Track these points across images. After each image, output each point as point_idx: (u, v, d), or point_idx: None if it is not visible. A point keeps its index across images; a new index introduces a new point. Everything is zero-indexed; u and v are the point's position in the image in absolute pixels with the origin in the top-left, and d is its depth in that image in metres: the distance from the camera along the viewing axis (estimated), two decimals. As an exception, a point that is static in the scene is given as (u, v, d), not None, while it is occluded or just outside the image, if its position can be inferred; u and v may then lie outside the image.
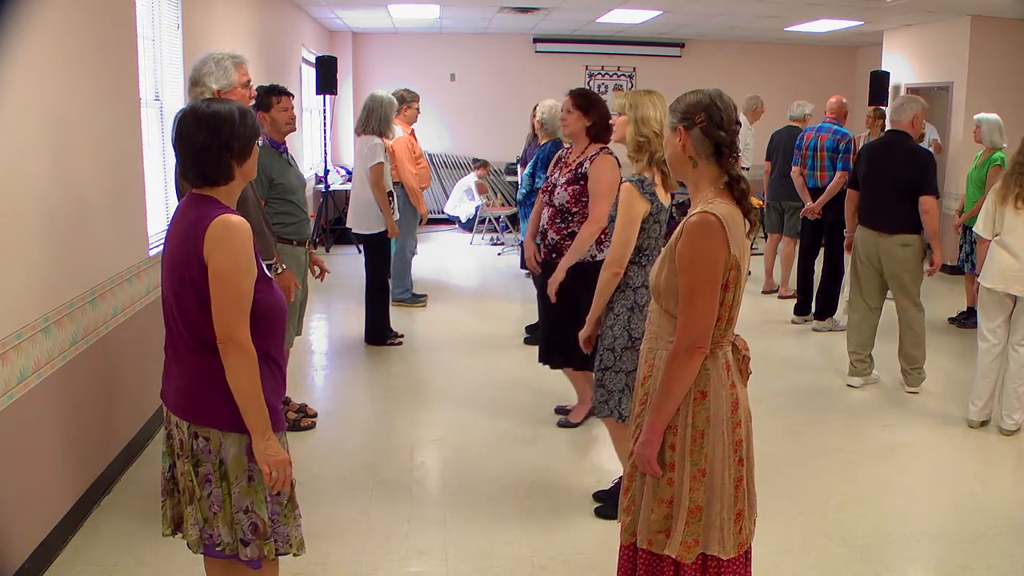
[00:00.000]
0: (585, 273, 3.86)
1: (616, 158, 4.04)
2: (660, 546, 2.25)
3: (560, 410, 4.81)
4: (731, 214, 2.16)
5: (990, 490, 4.03)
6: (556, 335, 4.25)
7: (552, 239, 4.23)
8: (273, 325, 2.22)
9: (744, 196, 2.21)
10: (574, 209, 4.14)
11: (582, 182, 4.09)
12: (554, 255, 4.20)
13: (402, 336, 6.25)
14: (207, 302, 2.11)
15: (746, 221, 2.21)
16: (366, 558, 3.28)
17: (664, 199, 3.33)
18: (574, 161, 4.18)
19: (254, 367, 2.15)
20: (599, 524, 3.56)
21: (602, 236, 4.02)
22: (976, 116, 6.67)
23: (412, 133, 7.12)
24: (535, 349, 6.02)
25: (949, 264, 8.92)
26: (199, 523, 2.23)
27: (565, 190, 4.14)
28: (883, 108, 9.61)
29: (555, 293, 4.03)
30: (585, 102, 4.10)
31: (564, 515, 3.67)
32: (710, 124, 2.18)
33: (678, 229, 2.21)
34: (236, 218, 2.14)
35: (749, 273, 2.32)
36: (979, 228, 4.68)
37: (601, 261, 3.54)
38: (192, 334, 2.17)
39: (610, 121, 3.69)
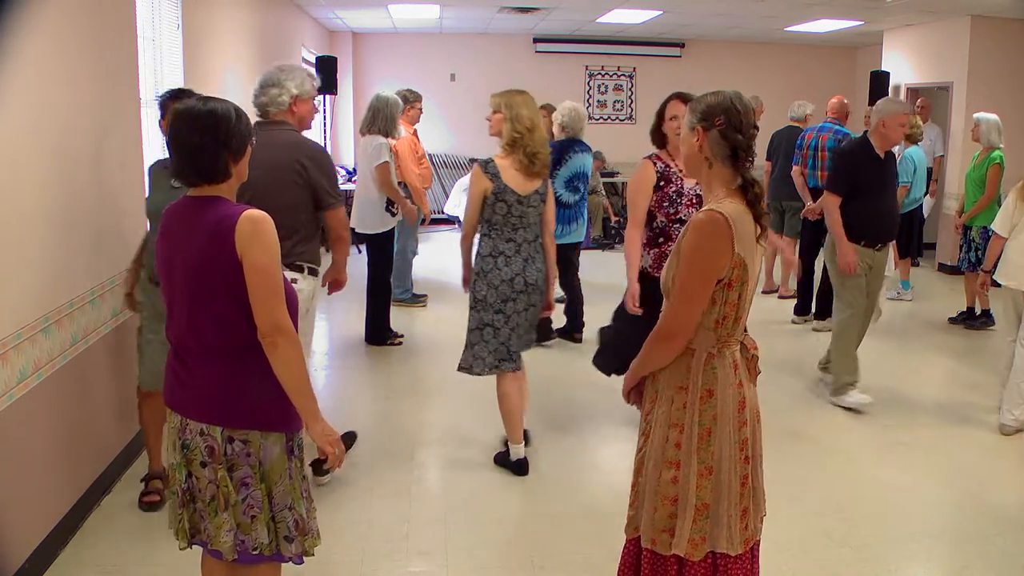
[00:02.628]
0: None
1: (652, 161, 3.88)
2: (665, 546, 2.26)
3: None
4: (739, 213, 2.17)
5: (990, 490, 4.03)
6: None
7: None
8: (291, 316, 2.23)
9: (757, 200, 2.22)
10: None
11: None
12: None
13: (402, 336, 6.25)
14: (244, 300, 2.11)
15: (757, 225, 2.21)
16: (366, 558, 3.29)
17: (522, 185, 3.81)
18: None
19: (301, 353, 2.18)
20: (599, 524, 3.56)
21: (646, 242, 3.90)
22: (976, 115, 6.67)
23: (415, 133, 7.12)
24: (534, 350, 6.05)
25: (948, 264, 8.93)
26: (233, 529, 2.19)
27: None
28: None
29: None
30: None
31: (564, 515, 3.67)
32: (728, 127, 2.19)
33: (686, 226, 2.23)
34: (259, 212, 2.17)
35: None
36: (996, 226, 4.78)
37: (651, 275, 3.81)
38: (225, 337, 2.15)
39: (486, 118, 3.99)
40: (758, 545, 2.42)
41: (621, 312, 4.03)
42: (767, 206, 8.26)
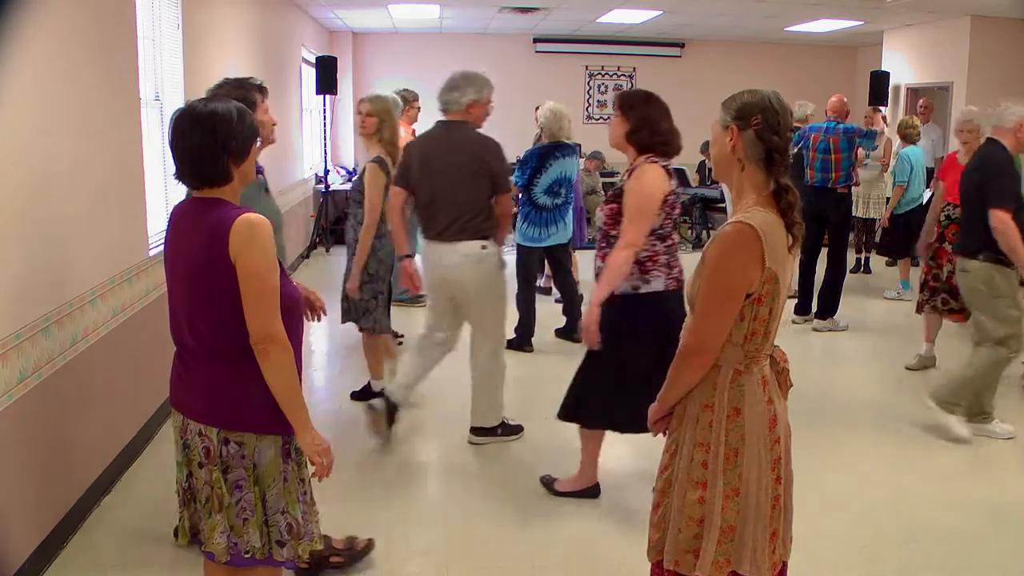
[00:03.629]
0: (629, 307, 3.37)
1: (666, 169, 3.40)
2: (688, 567, 2.16)
3: (546, 480, 3.92)
4: (770, 224, 2.04)
5: (990, 490, 4.03)
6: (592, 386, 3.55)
7: (597, 266, 3.47)
8: (293, 318, 2.22)
9: (791, 208, 2.08)
10: (612, 232, 3.38)
11: (619, 200, 3.38)
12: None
13: (402, 336, 6.24)
14: (239, 304, 2.09)
15: (789, 235, 2.08)
16: (367, 558, 3.28)
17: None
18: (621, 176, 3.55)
19: (293, 362, 2.16)
20: (599, 524, 3.56)
21: (649, 264, 3.35)
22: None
23: (413, 132, 7.13)
24: (537, 351, 6.06)
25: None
26: (226, 531, 2.18)
27: (602, 209, 3.46)
28: (881, 108, 9.64)
29: (593, 333, 3.32)
30: (626, 103, 3.47)
31: (564, 515, 3.66)
32: (765, 127, 2.06)
33: (712, 237, 2.13)
34: (256, 215, 2.13)
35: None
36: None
37: (648, 294, 3.35)
38: (222, 339, 2.14)
39: (361, 121, 4.70)
40: (786, 567, 2.31)
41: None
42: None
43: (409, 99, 7.02)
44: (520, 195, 6.11)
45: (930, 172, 8.36)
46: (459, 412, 4.88)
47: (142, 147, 4.33)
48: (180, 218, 2.23)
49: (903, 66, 10.16)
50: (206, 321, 2.14)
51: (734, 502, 2.10)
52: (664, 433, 2.30)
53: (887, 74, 10.22)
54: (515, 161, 10.80)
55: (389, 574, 3.21)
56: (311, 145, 10.73)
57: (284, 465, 2.23)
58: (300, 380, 2.23)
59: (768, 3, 8.83)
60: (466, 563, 3.28)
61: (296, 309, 2.24)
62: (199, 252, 2.11)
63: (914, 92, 10.02)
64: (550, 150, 6.04)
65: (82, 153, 3.54)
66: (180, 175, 2.18)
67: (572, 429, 4.60)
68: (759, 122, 2.06)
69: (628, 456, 4.24)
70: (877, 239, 9.21)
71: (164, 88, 4.96)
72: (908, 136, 7.88)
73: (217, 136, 2.10)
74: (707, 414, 2.13)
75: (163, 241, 2.30)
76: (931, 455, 4.45)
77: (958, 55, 9.05)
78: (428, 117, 7.95)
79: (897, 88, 10.25)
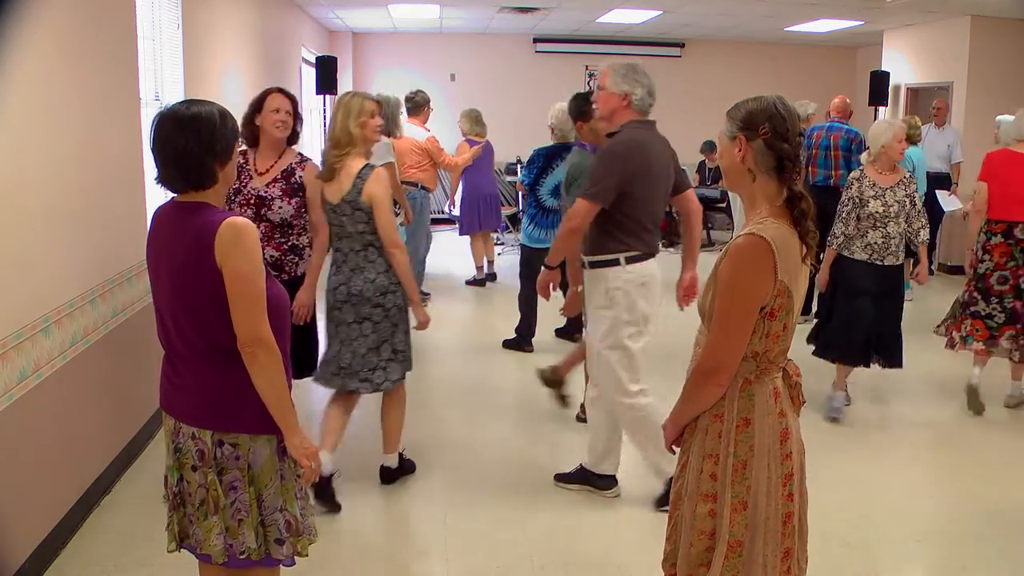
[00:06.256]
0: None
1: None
2: None
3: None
4: (783, 236, 1.99)
5: (990, 490, 4.03)
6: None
7: (272, 255, 3.70)
8: (280, 319, 2.21)
9: (804, 217, 2.02)
10: (295, 222, 3.73)
11: (301, 194, 3.71)
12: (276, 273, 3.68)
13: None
14: (225, 308, 2.08)
15: (803, 245, 2.03)
16: (367, 558, 3.29)
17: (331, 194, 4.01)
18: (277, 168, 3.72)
19: (280, 364, 2.15)
20: (599, 524, 3.56)
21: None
22: (998, 117, 6.62)
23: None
24: (530, 350, 6.07)
25: (948, 264, 8.93)
26: (223, 532, 2.18)
27: (289, 202, 3.68)
28: (880, 109, 9.63)
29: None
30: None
31: (564, 515, 3.67)
32: (774, 135, 2.00)
33: (724, 250, 2.06)
34: (242, 219, 2.13)
35: None
36: None
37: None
38: (210, 343, 2.13)
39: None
40: None
41: None
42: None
43: (425, 101, 7.36)
44: (527, 196, 6.12)
45: (945, 177, 8.33)
46: (461, 410, 4.89)
47: (142, 147, 4.32)
48: (163, 221, 2.21)
49: (903, 66, 10.16)
50: (193, 325, 2.13)
51: (742, 515, 2.05)
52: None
53: (887, 74, 10.22)
54: (516, 161, 10.79)
55: (390, 574, 3.21)
56: (311, 145, 10.72)
57: (280, 463, 2.23)
58: (289, 381, 2.23)
59: (768, 3, 8.84)
60: (466, 563, 3.28)
61: (281, 309, 2.23)
62: (184, 256, 2.10)
63: (914, 92, 10.02)
64: (556, 151, 6.04)
65: (82, 153, 3.54)
66: (164, 179, 2.15)
67: (572, 428, 4.61)
68: (767, 130, 2.01)
69: (634, 458, 4.24)
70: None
71: (164, 88, 4.96)
72: (909, 137, 7.87)
73: (202, 138, 2.09)
74: (716, 425, 2.09)
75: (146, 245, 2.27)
76: (931, 456, 4.45)
77: (958, 55, 9.06)
78: (430, 119, 8.01)
79: (897, 88, 10.25)
